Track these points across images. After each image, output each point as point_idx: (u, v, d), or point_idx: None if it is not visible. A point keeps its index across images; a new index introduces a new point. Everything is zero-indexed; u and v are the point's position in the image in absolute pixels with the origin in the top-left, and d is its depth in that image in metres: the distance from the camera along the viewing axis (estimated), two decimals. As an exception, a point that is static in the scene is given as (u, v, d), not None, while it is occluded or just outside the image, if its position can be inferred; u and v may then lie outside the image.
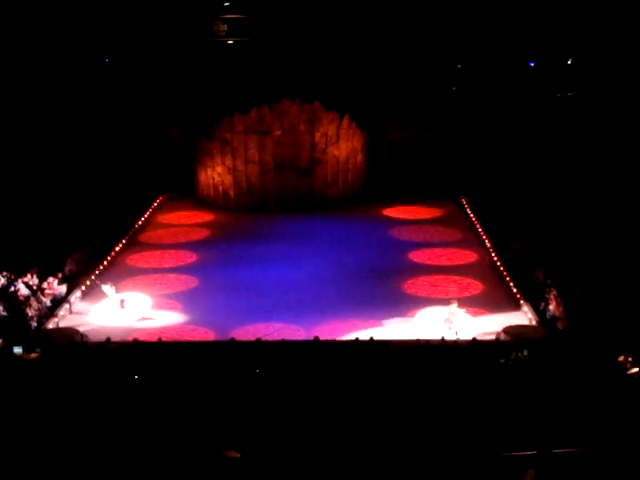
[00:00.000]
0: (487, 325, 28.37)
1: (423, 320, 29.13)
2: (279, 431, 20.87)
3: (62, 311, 29.30)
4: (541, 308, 28.71)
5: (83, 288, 31.42)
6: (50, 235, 35.41)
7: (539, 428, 20.61)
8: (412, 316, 29.24)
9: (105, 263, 34.15)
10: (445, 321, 28.19)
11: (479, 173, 43.25)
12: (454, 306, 28.46)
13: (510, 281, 31.45)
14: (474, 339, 26.20)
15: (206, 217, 41.64)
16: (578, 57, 43.12)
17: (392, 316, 29.11)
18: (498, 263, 33.51)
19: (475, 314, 29.25)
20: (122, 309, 29.94)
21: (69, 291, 30.87)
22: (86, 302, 30.97)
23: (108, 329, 28.20)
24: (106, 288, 30.52)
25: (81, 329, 28.08)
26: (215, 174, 43.14)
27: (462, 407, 21.78)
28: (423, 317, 29.40)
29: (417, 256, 35.29)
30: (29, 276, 30.53)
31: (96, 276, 32.79)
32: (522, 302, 29.54)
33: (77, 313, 30.10)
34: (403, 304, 30.29)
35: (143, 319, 29.61)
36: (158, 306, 30.55)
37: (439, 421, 21.22)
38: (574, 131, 42.47)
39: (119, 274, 33.65)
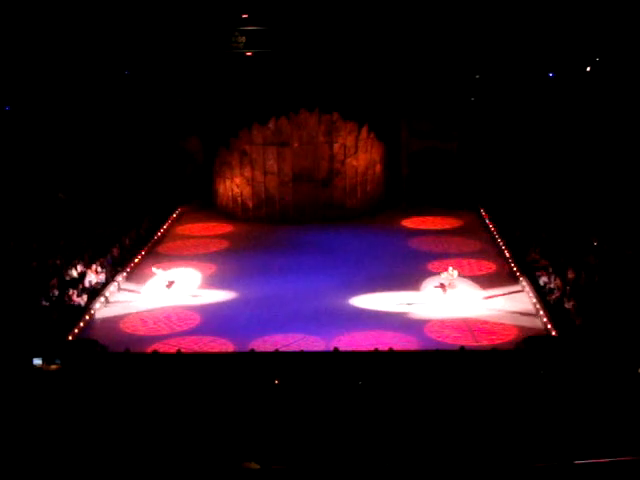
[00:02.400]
0: (506, 335, 28.34)
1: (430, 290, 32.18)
2: (298, 442, 20.85)
3: (82, 322, 29.39)
4: (560, 318, 28.56)
5: (102, 299, 31.54)
6: (69, 247, 35.55)
7: (560, 439, 20.52)
8: (429, 326, 29.21)
9: (124, 274, 34.27)
10: (448, 286, 31.26)
11: (498, 183, 43.12)
12: (455, 273, 31.46)
13: (530, 291, 31.33)
14: (493, 349, 26.20)
15: (225, 228, 41.72)
16: (597, 66, 42.98)
17: (409, 326, 29.13)
18: (517, 273, 33.39)
19: (494, 323, 29.29)
20: (168, 289, 32.38)
21: (89, 302, 30.96)
22: (108, 312, 31.12)
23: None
24: (157, 271, 33.05)
25: (104, 339, 28.12)
26: (234, 185, 43.23)
27: (482, 416, 21.72)
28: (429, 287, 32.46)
29: (436, 267, 35.17)
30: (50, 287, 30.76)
31: (116, 287, 32.98)
32: (541, 312, 29.41)
33: (99, 323, 30.21)
34: (422, 314, 30.29)
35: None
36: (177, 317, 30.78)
37: (459, 430, 21.16)
38: (593, 140, 42.31)
39: (139, 285, 33.85)
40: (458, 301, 31.22)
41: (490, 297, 31.70)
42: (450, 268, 31.79)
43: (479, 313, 30.41)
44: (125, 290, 33.33)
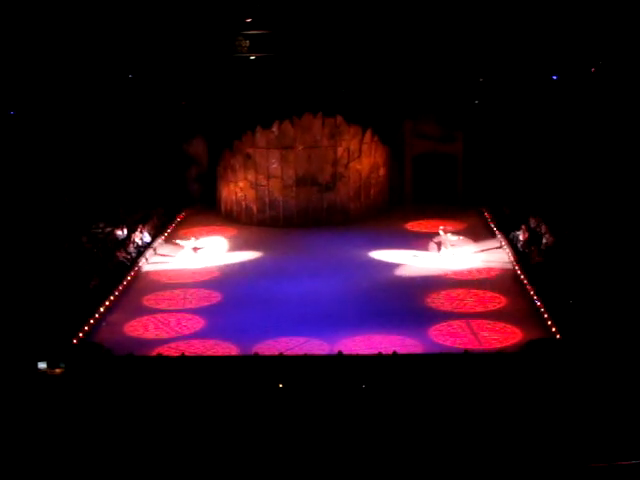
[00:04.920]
0: (510, 337, 28.34)
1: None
2: (302, 446, 20.85)
3: (86, 327, 29.35)
4: (565, 319, 28.52)
5: (107, 303, 31.53)
6: (73, 251, 35.57)
7: (565, 442, 20.51)
8: (433, 330, 29.20)
9: (129, 278, 34.28)
10: (440, 244, 35.70)
11: (502, 186, 43.09)
12: (449, 235, 35.93)
13: (534, 294, 31.29)
14: (499, 352, 26.21)
15: (229, 232, 41.73)
16: (601, 68, 42.99)
17: (413, 330, 29.10)
18: (521, 276, 33.36)
19: (498, 327, 29.29)
20: (195, 254, 36.72)
21: (96, 306, 30.93)
22: (115, 316, 31.12)
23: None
24: (183, 242, 37.24)
25: (108, 342, 28.07)
26: (237, 189, 43.25)
27: (486, 420, 21.71)
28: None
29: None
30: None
31: (124, 287, 33.02)
32: (545, 315, 29.36)
33: (109, 326, 30.26)
34: (426, 318, 30.29)
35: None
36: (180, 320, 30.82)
37: (463, 434, 21.15)
38: (597, 142, 42.30)
39: (143, 288, 33.88)
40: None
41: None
42: (441, 228, 36.46)
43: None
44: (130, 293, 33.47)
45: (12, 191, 40.56)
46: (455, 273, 34.73)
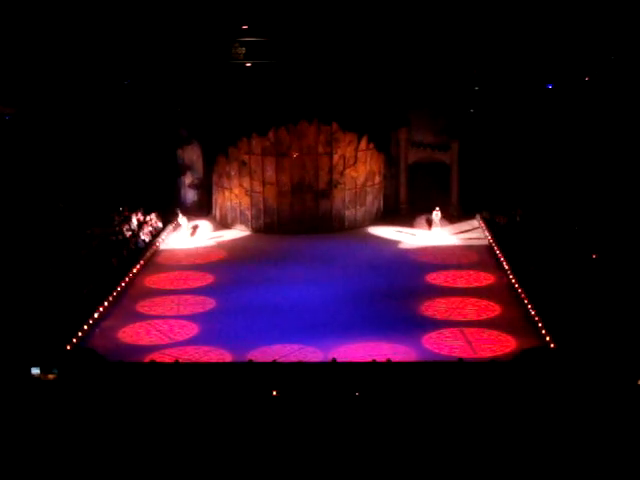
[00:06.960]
0: (505, 346, 28.34)
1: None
2: (296, 453, 20.84)
3: (80, 333, 29.28)
4: (559, 329, 28.54)
5: (101, 309, 31.48)
6: (67, 256, 35.52)
7: (559, 450, 20.51)
8: (427, 338, 29.19)
9: (123, 284, 34.24)
10: (431, 223, 40.08)
11: (497, 194, 43.15)
12: (437, 214, 40.15)
13: (528, 303, 31.30)
14: (492, 360, 26.21)
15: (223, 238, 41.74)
16: (596, 76, 43.16)
17: (407, 338, 29.08)
18: (516, 285, 33.37)
19: (493, 334, 29.31)
20: (192, 236, 40.91)
21: (90, 312, 30.87)
22: (109, 322, 31.08)
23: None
24: (182, 220, 41.25)
25: (102, 348, 28.02)
26: (232, 195, 43.25)
27: (480, 428, 21.70)
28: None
29: (434, 278, 35.23)
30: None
31: (114, 297, 32.94)
32: (540, 324, 29.37)
33: (103, 331, 30.23)
34: (420, 326, 30.27)
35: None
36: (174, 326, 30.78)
37: (457, 442, 21.15)
38: (591, 149, 42.42)
39: (137, 295, 33.84)
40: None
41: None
42: (437, 209, 40.25)
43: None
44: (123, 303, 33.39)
45: (6, 197, 40.52)
46: (448, 279, 34.89)
